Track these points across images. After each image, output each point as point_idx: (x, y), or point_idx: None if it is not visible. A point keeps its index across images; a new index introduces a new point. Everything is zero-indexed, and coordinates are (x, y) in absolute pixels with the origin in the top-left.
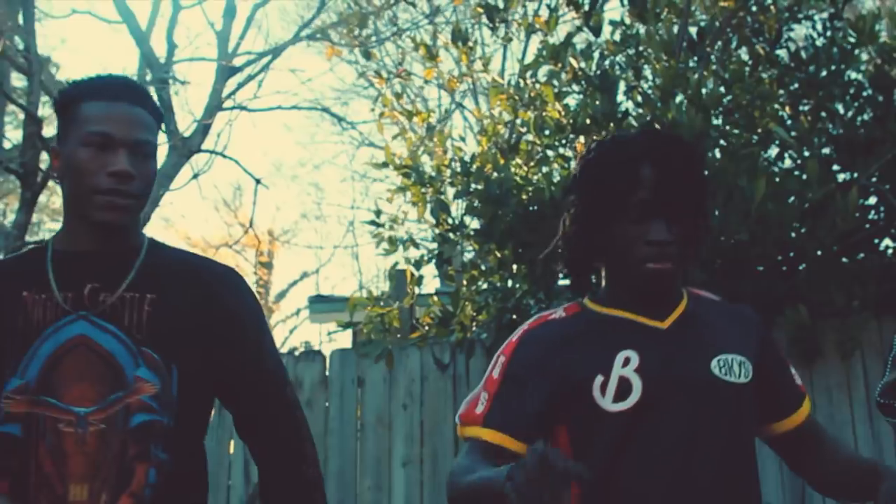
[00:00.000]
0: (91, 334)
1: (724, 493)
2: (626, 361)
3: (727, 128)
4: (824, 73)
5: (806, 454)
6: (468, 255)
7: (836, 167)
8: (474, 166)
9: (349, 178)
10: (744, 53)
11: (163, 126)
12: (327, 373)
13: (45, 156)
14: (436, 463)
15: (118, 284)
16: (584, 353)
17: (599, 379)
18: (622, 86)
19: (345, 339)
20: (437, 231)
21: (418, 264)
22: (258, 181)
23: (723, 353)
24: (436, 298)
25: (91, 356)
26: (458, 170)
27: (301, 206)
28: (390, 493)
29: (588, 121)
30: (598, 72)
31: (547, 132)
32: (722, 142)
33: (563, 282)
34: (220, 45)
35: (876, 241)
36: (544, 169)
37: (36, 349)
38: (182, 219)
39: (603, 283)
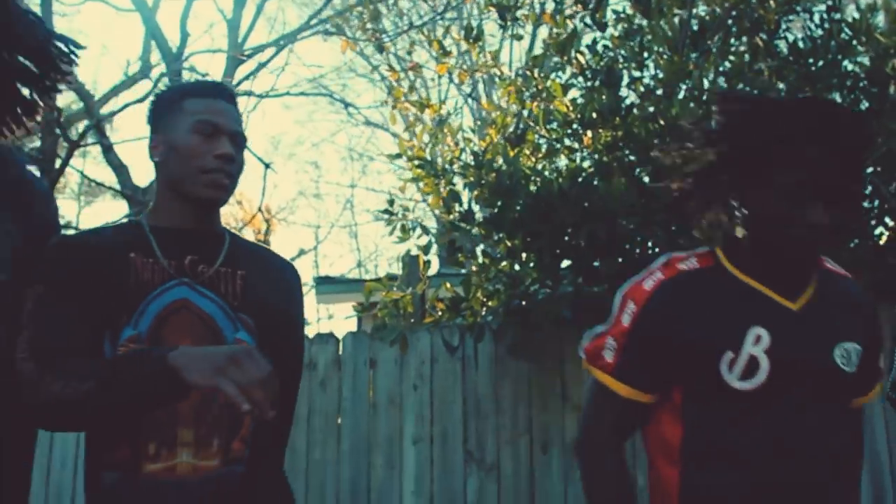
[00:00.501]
0: (192, 298)
1: (829, 471)
2: (757, 339)
3: None
4: (821, 63)
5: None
6: (479, 244)
7: None
8: (485, 158)
9: (347, 157)
10: (743, 45)
11: None
12: (340, 354)
13: (63, 142)
14: (445, 441)
15: (214, 259)
16: (715, 324)
17: (729, 355)
18: (625, 77)
19: (342, 315)
20: (448, 220)
21: (426, 249)
22: (267, 165)
23: (845, 342)
24: (448, 285)
25: (193, 318)
26: (471, 162)
27: (298, 184)
28: (401, 470)
29: (594, 115)
30: (604, 68)
31: (554, 125)
32: None
33: (566, 263)
34: (231, 34)
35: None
36: (552, 161)
37: (146, 305)
38: None
39: (738, 240)
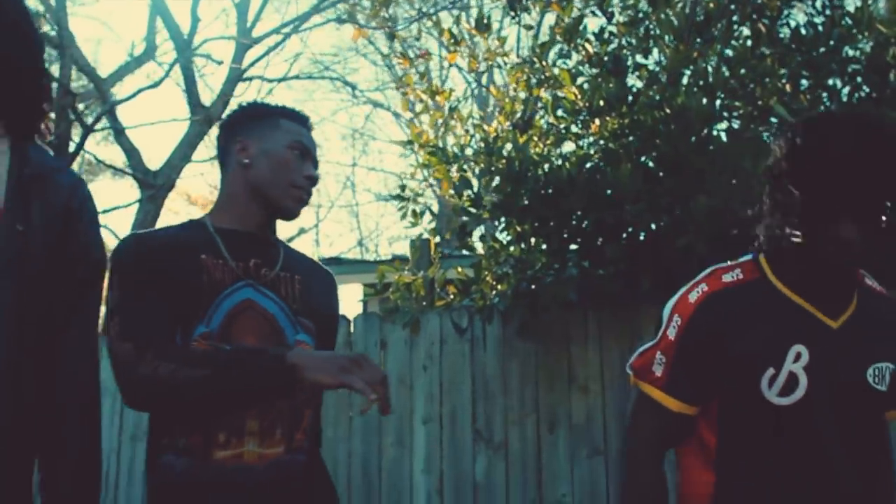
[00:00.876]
0: (256, 299)
1: (861, 484)
2: (798, 357)
3: (731, 113)
4: (822, 50)
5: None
6: (488, 229)
7: None
8: (495, 146)
9: (349, 137)
10: (746, 29)
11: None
12: (352, 335)
13: (77, 128)
14: (454, 420)
15: (273, 263)
16: (758, 339)
17: (770, 372)
18: (631, 63)
19: (351, 297)
20: (458, 205)
21: (434, 232)
22: None
23: (879, 362)
24: (460, 269)
25: (258, 318)
26: (482, 149)
27: None
28: (412, 449)
29: (601, 102)
30: (611, 56)
31: (562, 113)
32: (727, 123)
33: (574, 246)
34: (240, 19)
35: None
36: (561, 148)
37: (218, 304)
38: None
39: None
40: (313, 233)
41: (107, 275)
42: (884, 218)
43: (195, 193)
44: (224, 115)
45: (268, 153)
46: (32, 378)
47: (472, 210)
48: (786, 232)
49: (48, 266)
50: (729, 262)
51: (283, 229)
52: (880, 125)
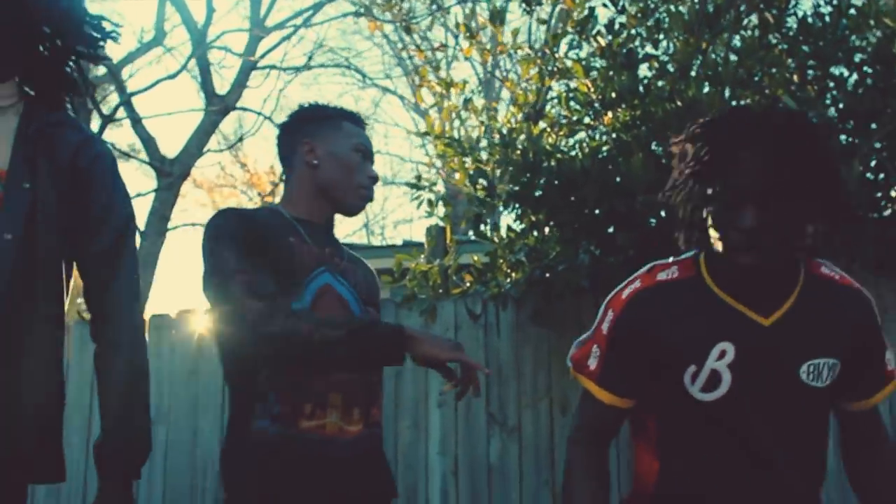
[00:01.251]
0: (333, 285)
1: (795, 477)
2: (722, 354)
3: (740, 103)
4: (829, 37)
5: (853, 442)
6: (504, 218)
7: (842, 137)
8: (510, 137)
9: None
10: (754, 18)
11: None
12: None
13: (96, 118)
14: (469, 404)
15: (342, 253)
16: (683, 337)
17: (692, 368)
18: (641, 53)
19: None
20: (474, 195)
21: (449, 220)
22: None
23: (815, 358)
24: (476, 257)
25: (336, 301)
26: (497, 141)
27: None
28: (427, 432)
29: (614, 94)
30: (622, 49)
31: (575, 105)
32: None
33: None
34: (253, 9)
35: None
36: (574, 138)
37: (306, 284)
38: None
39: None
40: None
41: (206, 242)
42: (792, 206)
43: (207, 181)
44: (287, 117)
45: (334, 155)
46: (48, 332)
47: (487, 200)
48: (698, 232)
49: (64, 222)
50: (670, 259)
51: None
52: (771, 115)
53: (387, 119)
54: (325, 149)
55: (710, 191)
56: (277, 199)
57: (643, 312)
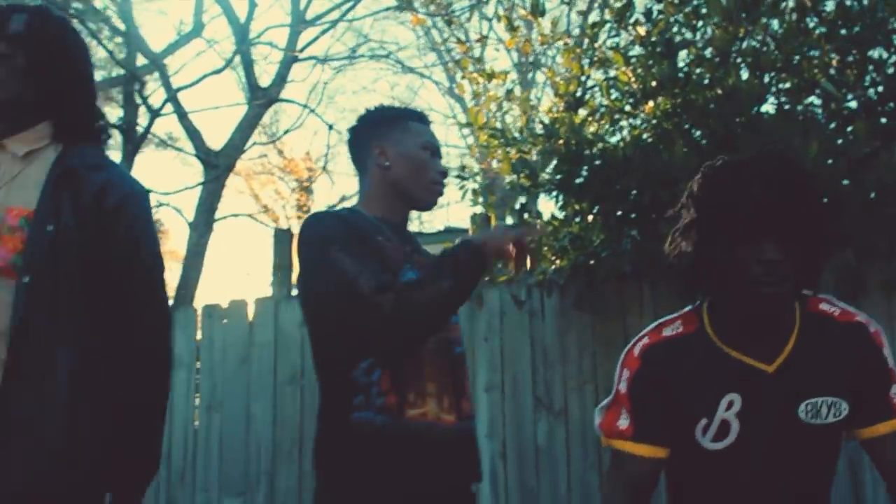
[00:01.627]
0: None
1: None
2: (730, 405)
3: (778, 86)
4: (867, 20)
5: (886, 463)
6: (545, 205)
7: (882, 119)
8: (553, 127)
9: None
10: (791, 2)
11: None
12: None
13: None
14: (516, 388)
15: (419, 249)
16: (692, 392)
17: (703, 422)
18: (679, 41)
19: None
20: (517, 184)
21: (492, 208)
22: (331, 126)
23: (814, 398)
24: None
25: None
26: (540, 132)
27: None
28: (476, 416)
29: (654, 83)
30: (661, 37)
31: (616, 95)
32: (774, 99)
33: (632, 226)
34: (294, 1)
35: None
36: (616, 127)
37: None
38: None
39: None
40: (356, 200)
41: (310, 248)
42: (812, 242)
43: (244, 169)
44: (355, 122)
45: (405, 156)
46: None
47: (531, 188)
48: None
49: (89, 261)
50: (672, 315)
51: (326, 197)
52: (766, 158)
53: (422, 104)
54: (396, 150)
55: (727, 229)
56: (315, 186)
57: (655, 367)
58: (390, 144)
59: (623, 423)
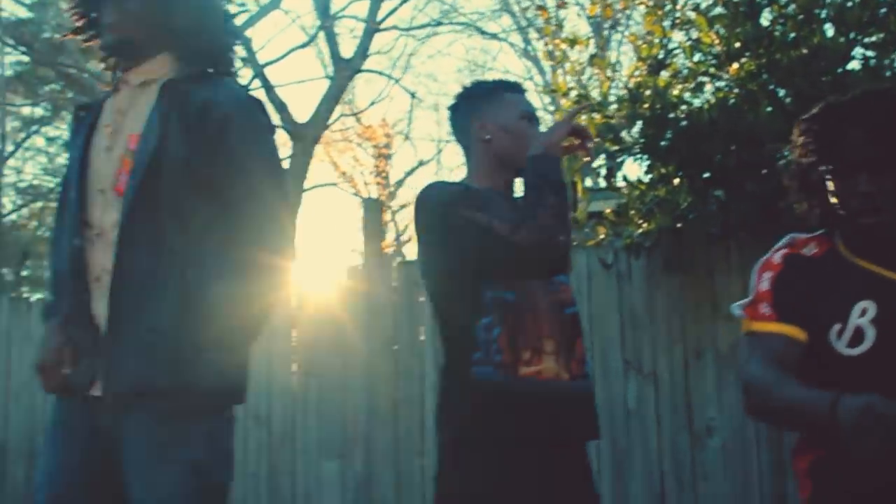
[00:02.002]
0: None
1: None
2: (863, 312)
3: (864, 41)
4: None
5: None
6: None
7: None
8: (638, 92)
9: (465, 69)
10: None
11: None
12: None
13: None
14: (605, 350)
15: None
16: (827, 300)
17: (837, 326)
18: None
19: None
20: (605, 148)
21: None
22: (413, 94)
23: None
24: (609, 210)
25: None
26: (625, 96)
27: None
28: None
29: (738, 45)
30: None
31: (699, 58)
32: (861, 54)
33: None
34: None
35: None
36: (698, 90)
37: None
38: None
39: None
40: (434, 164)
41: (433, 214)
42: (885, 176)
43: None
44: (453, 99)
45: (505, 128)
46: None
47: (617, 152)
48: (820, 209)
49: (195, 175)
50: (806, 236)
51: (403, 162)
52: (869, 94)
53: (498, 66)
54: (495, 123)
55: (827, 167)
56: (392, 152)
57: (795, 272)
58: (490, 118)
59: (766, 309)
